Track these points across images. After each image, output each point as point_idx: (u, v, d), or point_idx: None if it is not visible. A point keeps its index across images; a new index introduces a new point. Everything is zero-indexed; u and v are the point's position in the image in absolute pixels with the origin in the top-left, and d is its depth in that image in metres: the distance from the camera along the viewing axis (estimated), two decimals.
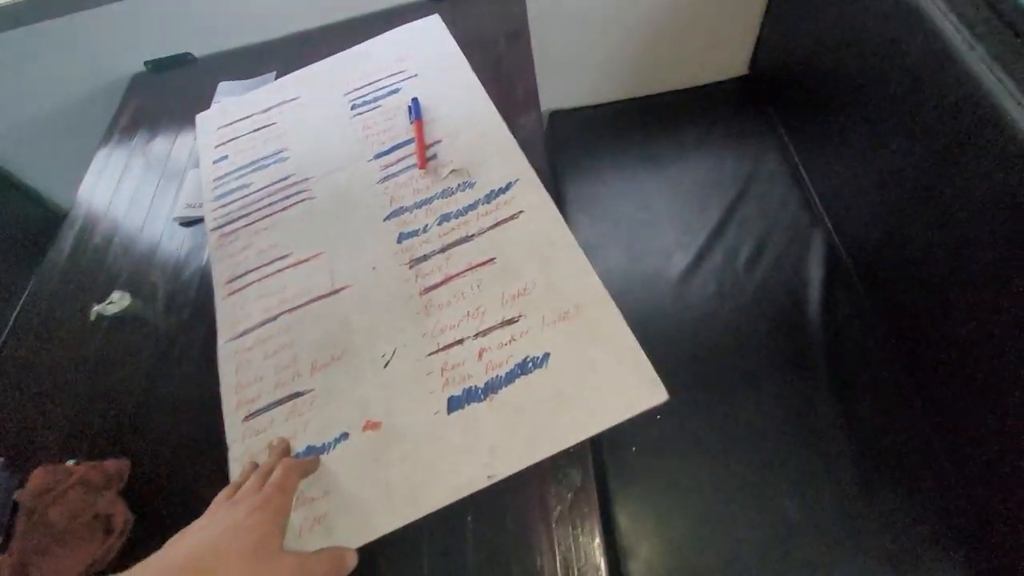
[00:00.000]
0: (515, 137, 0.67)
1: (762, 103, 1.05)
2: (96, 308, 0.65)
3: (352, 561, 0.42)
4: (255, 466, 0.46)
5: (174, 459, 0.53)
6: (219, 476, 0.51)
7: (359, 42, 0.85)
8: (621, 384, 0.48)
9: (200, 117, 0.83)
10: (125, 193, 0.79)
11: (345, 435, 0.50)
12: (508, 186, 0.63)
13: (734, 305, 0.82)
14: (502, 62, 0.78)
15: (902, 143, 0.68)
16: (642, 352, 0.49)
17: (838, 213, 0.87)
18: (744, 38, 1.07)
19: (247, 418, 0.53)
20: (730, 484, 0.69)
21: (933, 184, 0.63)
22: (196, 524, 0.39)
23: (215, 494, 0.44)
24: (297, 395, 0.54)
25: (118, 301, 0.64)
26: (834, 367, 0.75)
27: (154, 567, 0.34)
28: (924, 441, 0.69)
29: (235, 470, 0.51)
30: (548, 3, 0.96)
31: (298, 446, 0.51)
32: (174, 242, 0.71)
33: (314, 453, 0.50)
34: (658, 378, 0.48)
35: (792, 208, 0.91)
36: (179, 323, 0.63)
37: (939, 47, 0.58)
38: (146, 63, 0.96)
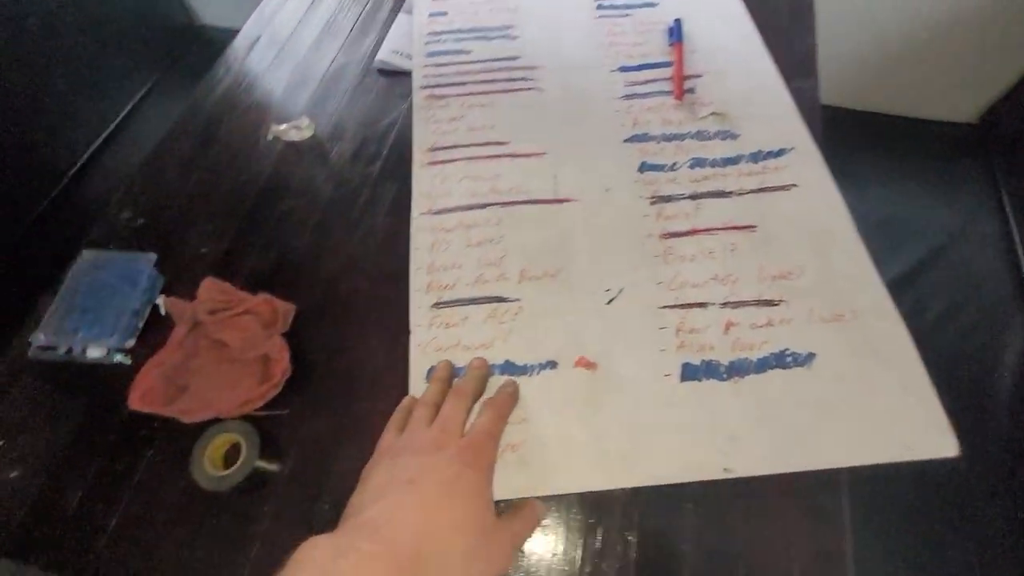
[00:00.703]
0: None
1: (989, 158, 0.94)
2: (275, 128, 0.57)
3: (543, 515, 0.36)
4: (440, 388, 0.39)
5: (343, 318, 0.46)
6: (393, 357, 0.43)
7: None
8: (903, 417, 0.40)
9: None
10: (316, 20, 0.70)
11: (553, 364, 0.43)
12: (781, 152, 0.53)
13: None
14: (778, 12, 0.67)
15: None
16: (932, 388, 0.41)
17: None
18: (991, 83, 0.95)
19: (438, 305, 0.46)
20: None
21: None
22: (384, 474, 0.31)
23: (381, 376, 0.37)
24: (500, 300, 0.46)
25: (304, 128, 0.56)
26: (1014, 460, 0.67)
27: (369, 550, 0.26)
28: None
29: (417, 360, 0.43)
30: None
31: (494, 357, 0.43)
32: (370, 88, 0.62)
33: (514, 373, 0.43)
34: (949, 426, 0.39)
35: (998, 279, 0.81)
36: (366, 174, 0.55)
37: None
38: None
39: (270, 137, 0.56)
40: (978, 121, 0.99)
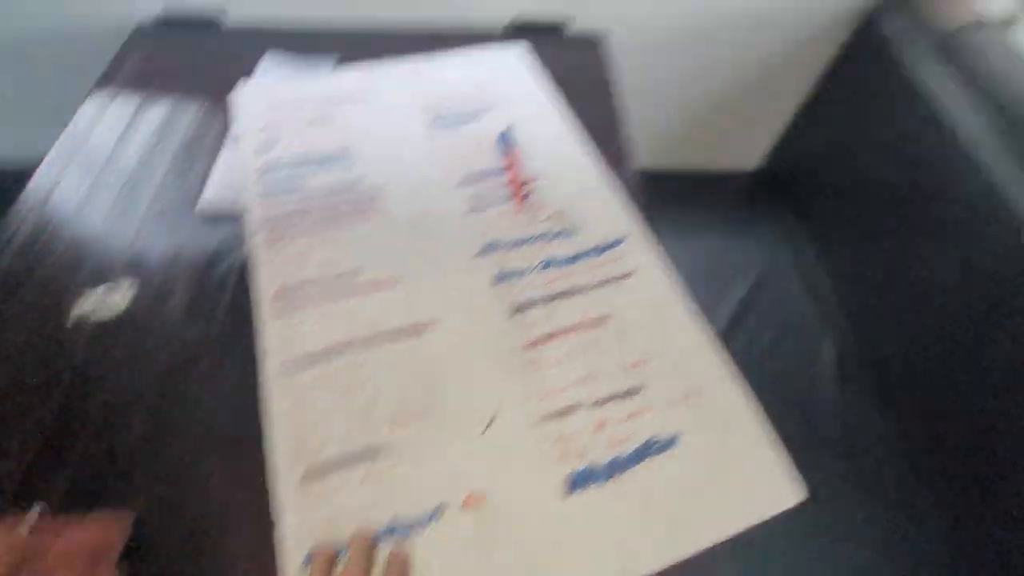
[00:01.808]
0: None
1: (778, 198, 1.12)
2: (79, 308, 0.50)
3: None
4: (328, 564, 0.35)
5: (196, 515, 0.40)
6: (262, 552, 0.39)
7: (434, 53, 0.79)
8: (756, 479, 0.44)
9: (244, 91, 0.71)
10: (126, 161, 0.64)
11: (441, 509, 0.41)
12: (617, 242, 0.59)
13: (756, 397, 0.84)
14: (590, 110, 0.75)
15: (924, 251, 0.74)
16: (777, 445, 0.46)
17: (853, 315, 0.93)
18: (769, 131, 1.15)
19: (307, 476, 0.42)
20: None
21: (949, 295, 0.69)
22: None
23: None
24: (374, 452, 0.44)
25: (123, 290, 0.50)
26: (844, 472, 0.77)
27: None
28: (937, 550, 0.72)
29: (291, 548, 0.39)
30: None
31: (379, 519, 0.41)
32: (200, 232, 0.58)
33: (400, 533, 0.40)
34: (794, 473, 0.45)
35: (805, 305, 0.95)
36: (204, 336, 0.50)
37: (966, 161, 0.65)
38: (162, 17, 0.82)
39: (72, 320, 0.49)
40: (766, 166, 1.19)
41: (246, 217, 0.58)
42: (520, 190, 0.62)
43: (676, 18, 0.92)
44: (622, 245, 0.58)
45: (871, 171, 0.89)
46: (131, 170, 0.63)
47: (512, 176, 0.63)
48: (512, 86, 0.75)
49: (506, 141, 0.67)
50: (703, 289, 0.89)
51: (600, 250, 0.58)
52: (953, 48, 0.79)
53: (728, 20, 0.93)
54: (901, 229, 0.81)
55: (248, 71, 0.75)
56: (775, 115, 1.12)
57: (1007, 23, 0.82)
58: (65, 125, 0.67)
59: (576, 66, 0.83)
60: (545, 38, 0.87)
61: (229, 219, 0.58)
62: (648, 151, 1.11)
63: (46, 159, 0.64)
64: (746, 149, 1.18)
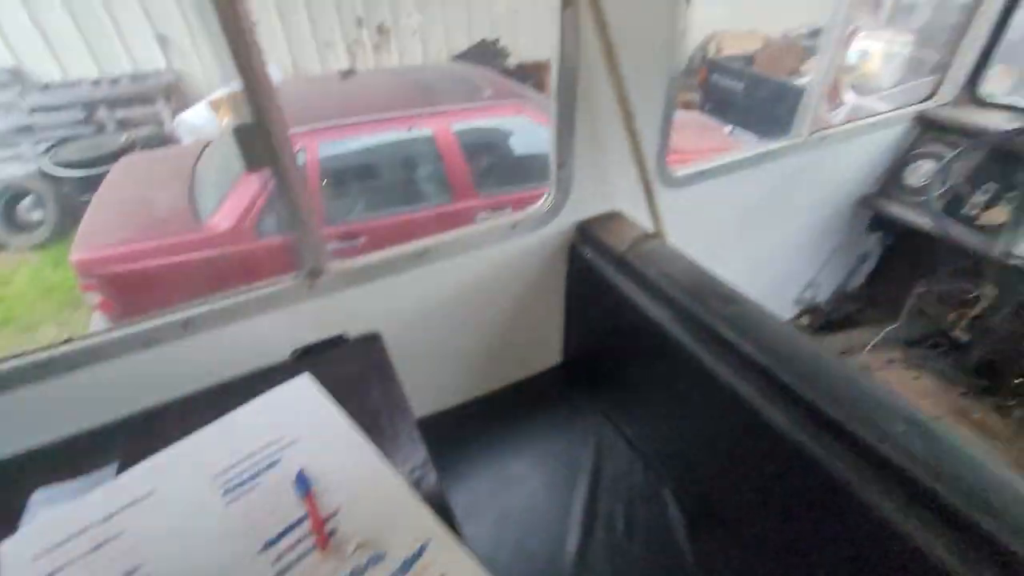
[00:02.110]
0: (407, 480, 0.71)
1: (581, 385, 1.31)
2: None
3: None
4: None
5: None
6: None
7: (222, 414, 0.85)
8: None
9: (7, 547, 0.67)
10: None
11: None
12: (421, 550, 0.63)
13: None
14: (375, 403, 0.85)
15: (697, 403, 0.92)
16: None
17: (673, 468, 1.06)
18: (554, 334, 1.38)
19: None
20: None
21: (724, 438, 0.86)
22: None
23: None
24: None
25: None
26: None
27: None
28: None
29: None
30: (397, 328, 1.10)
31: None
32: None
33: None
34: None
35: (638, 471, 1.08)
36: None
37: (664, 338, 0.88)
38: None
39: None
40: (563, 358, 1.41)
41: None
42: (323, 531, 0.66)
43: (432, 301, 1.14)
44: (426, 553, 0.63)
45: (627, 349, 1.11)
46: None
47: (313, 519, 0.67)
48: (300, 421, 0.82)
49: (303, 481, 0.72)
50: (563, 480, 0.97)
51: (407, 566, 0.62)
52: (630, 259, 1.08)
53: (476, 282, 1.18)
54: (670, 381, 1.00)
55: (15, 519, 0.71)
56: (538, 328, 1.36)
57: (657, 237, 1.16)
58: None
59: (360, 365, 0.95)
60: (330, 352, 0.99)
61: None
62: (436, 400, 1.25)
63: None
64: (547, 351, 1.40)
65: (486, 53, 6.05)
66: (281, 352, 0.98)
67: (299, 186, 0.90)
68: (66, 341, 0.88)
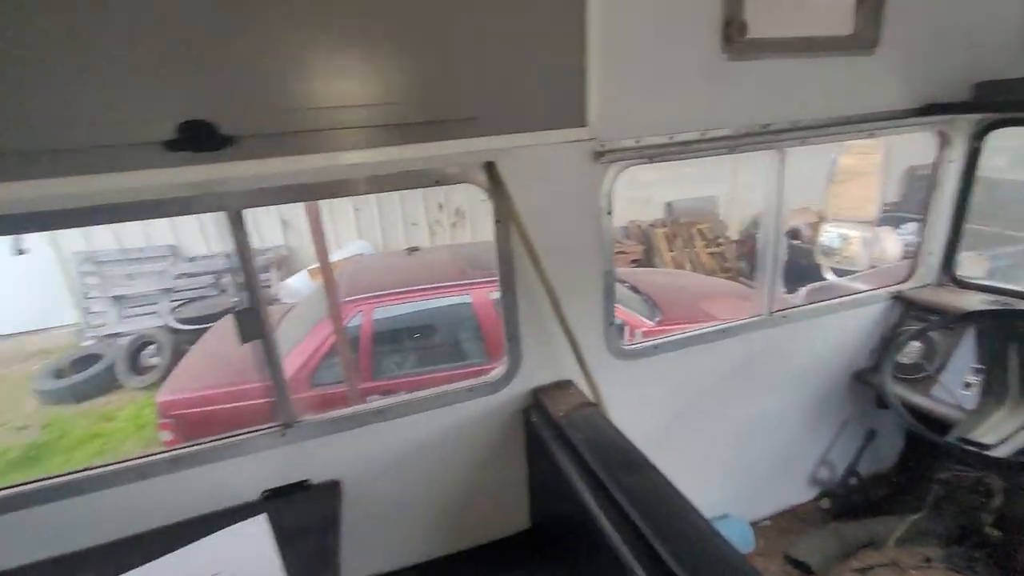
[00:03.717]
0: None
1: (548, 552, 1.32)
2: None
3: None
4: None
5: None
6: None
7: (189, 542, 1.02)
8: None
9: None
10: None
11: None
12: None
13: None
14: (311, 555, 0.98)
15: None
16: None
17: None
18: (520, 497, 1.44)
19: None
20: None
21: None
22: None
23: None
24: None
25: None
26: None
27: None
28: None
29: None
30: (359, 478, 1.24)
31: None
32: None
33: None
34: None
35: None
36: None
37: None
38: None
39: None
40: (530, 524, 1.44)
41: None
42: None
43: (391, 456, 1.29)
44: None
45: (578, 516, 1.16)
46: None
47: None
48: (243, 561, 0.97)
49: None
50: None
51: None
52: (563, 425, 1.20)
53: (435, 440, 1.32)
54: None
55: None
56: (503, 490, 1.43)
57: (594, 405, 1.29)
58: None
59: (314, 514, 1.10)
60: (293, 496, 1.16)
61: None
62: (401, 553, 1.32)
63: None
64: (500, 517, 1.44)
65: None
66: (254, 490, 1.16)
67: (274, 352, 1.17)
68: (71, 472, 1.10)
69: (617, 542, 0.90)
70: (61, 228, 1.00)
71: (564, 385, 1.37)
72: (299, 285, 5.53)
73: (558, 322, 1.28)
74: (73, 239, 5.44)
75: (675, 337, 1.54)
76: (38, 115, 0.70)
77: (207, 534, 1.03)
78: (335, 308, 2.65)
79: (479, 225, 7.11)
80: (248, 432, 1.15)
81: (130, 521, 1.06)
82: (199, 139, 0.69)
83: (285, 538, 1.01)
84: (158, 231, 5.72)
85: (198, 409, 2.62)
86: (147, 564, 0.97)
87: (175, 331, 4.72)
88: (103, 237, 5.56)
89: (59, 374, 4.42)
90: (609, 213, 1.32)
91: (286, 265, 6.20)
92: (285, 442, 1.16)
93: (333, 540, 1.03)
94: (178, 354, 4.62)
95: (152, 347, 4.74)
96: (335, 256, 6.12)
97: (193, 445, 1.11)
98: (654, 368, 1.51)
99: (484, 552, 1.39)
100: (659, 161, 1.31)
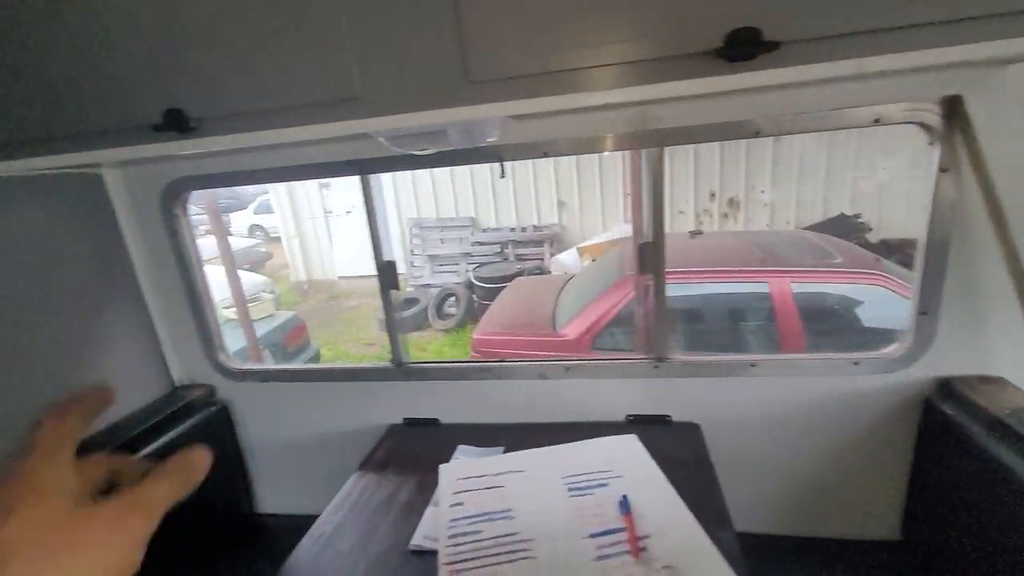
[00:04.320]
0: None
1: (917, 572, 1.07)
2: None
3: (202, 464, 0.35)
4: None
5: None
6: None
7: (569, 441, 1.13)
8: None
9: (443, 467, 1.08)
10: (367, 513, 0.98)
11: None
12: None
13: None
14: (691, 481, 0.97)
15: None
16: None
17: None
18: (893, 501, 1.19)
19: None
20: None
21: None
22: None
23: None
24: None
25: None
26: None
27: None
28: None
29: None
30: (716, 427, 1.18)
31: None
32: (406, 568, 0.84)
33: None
34: None
35: None
36: None
37: None
38: (405, 420, 1.32)
39: None
40: (901, 537, 1.18)
41: (438, 555, 0.83)
42: (636, 545, 0.81)
43: (756, 413, 1.20)
44: None
45: (992, 531, 0.90)
46: (367, 516, 0.96)
47: (630, 533, 0.83)
48: (628, 463, 1.02)
49: (624, 504, 0.90)
50: None
51: None
52: (1009, 424, 0.92)
53: (805, 410, 1.18)
54: None
55: (448, 456, 1.14)
56: (873, 487, 1.19)
57: None
58: (337, 491, 1.07)
59: (679, 447, 1.10)
60: (654, 426, 1.18)
61: (430, 556, 0.84)
62: (750, 519, 1.21)
63: (322, 515, 0.99)
64: (865, 518, 1.21)
65: (842, 226, 5.77)
66: (620, 412, 1.23)
67: (663, 290, 1.19)
68: (494, 360, 1.33)
69: None
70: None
71: (994, 381, 1.05)
72: (569, 261, 5.93)
73: (1006, 304, 0.98)
74: (408, 207, 6.98)
75: None
76: None
77: (582, 438, 1.13)
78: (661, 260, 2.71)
79: (753, 217, 6.45)
80: (627, 357, 1.22)
81: (531, 409, 1.25)
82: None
83: (658, 461, 1.02)
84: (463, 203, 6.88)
85: (498, 348, 3.06)
86: (556, 446, 1.11)
87: (473, 287, 5.63)
88: (427, 207, 6.98)
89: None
90: None
91: (558, 242, 6.72)
92: (657, 374, 1.19)
93: (711, 475, 1.00)
94: (470, 308, 5.52)
95: (452, 299, 5.75)
96: (602, 237, 6.38)
97: (580, 360, 1.24)
98: None
99: (845, 549, 1.19)
100: None
